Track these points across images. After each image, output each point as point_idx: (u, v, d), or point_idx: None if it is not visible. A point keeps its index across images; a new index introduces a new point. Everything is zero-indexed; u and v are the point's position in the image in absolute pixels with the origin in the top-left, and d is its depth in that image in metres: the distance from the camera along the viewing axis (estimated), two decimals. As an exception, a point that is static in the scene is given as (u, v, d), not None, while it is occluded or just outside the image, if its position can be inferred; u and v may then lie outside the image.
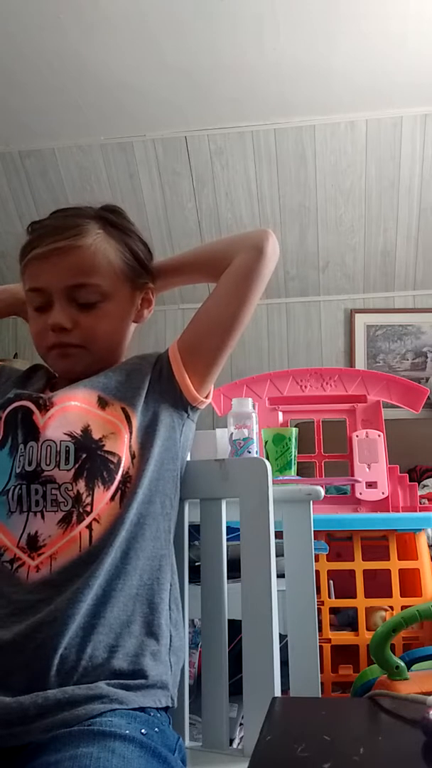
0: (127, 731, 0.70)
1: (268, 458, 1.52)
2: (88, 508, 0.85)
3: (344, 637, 1.68)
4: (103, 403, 0.93)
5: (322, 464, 1.95)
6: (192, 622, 1.58)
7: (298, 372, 1.94)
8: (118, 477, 0.88)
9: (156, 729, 0.74)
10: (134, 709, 0.75)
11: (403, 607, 1.62)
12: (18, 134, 3.27)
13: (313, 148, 3.25)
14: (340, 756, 0.58)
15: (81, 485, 0.86)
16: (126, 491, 0.88)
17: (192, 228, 3.58)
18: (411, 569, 1.74)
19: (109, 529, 0.84)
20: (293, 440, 1.58)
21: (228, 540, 1.01)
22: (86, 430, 0.89)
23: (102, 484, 0.87)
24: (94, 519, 0.84)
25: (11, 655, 0.77)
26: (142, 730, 0.72)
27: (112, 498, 0.86)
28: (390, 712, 0.70)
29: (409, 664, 1.22)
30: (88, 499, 0.85)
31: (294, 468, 1.59)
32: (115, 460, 0.88)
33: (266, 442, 1.59)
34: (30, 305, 0.99)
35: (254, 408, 1.55)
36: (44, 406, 0.93)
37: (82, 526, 0.83)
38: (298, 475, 1.64)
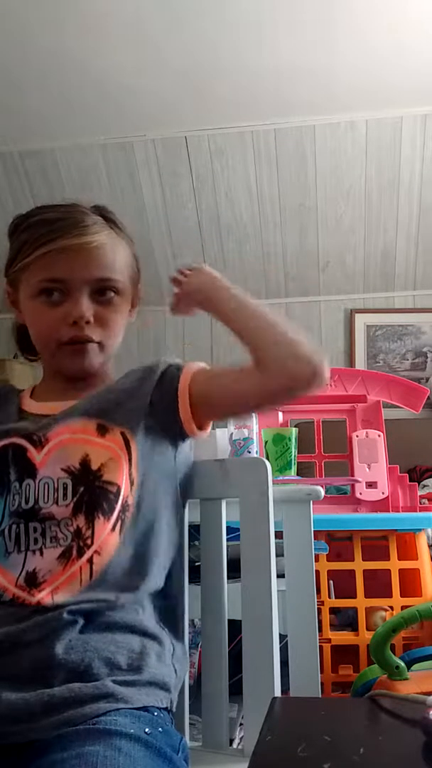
0: (132, 730, 0.70)
1: (268, 458, 1.52)
2: (89, 541, 0.83)
3: (344, 637, 1.68)
4: (103, 430, 0.90)
5: (322, 464, 1.95)
6: (192, 622, 1.58)
7: (298, 372, 1.94)
8: (118, 506, 0.86)
9: (160, 729, 0.74)
10: (138, 708, 0.75)
11: (403, 607, 1.61)
12: (18, 134, 3.27)
13: (313, 148, 3.25)
14: (340, 756, 0.58)
15: (81, 519, 0.84)
16: (125, 520, 0.86)
17: (192, 228, 3.58)
18: (411, 569, 1.74)
19: (110, 561, 0.83)
20: (293, 440, 1.58)
21: (228, 540, 1.01)
22: (85, 461, 0.87)
23: (102, 515, 0.85)
24: (96, 552, 0.83)
25: (17, 652, 0.77)
26: (146, 730, 0.72)
27: (113, 528, 0.85)
28: (390, 712, 0.70)
29: (409, 664, 1.22)
30: (89, 532, 0.84)
31: (294, 468, 1.59)
32: (114, 489, 0.86)
33: (266, 442, 1.59)
34: (37, 298, 0.94)
35: (254, 408, 1.55)
36: (39, 443, 0.89)
37: (83, 560, 0.82)
38: (298, 475, 1.64)
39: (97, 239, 0.93)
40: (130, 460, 0.88)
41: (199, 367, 0.96)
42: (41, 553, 0.83)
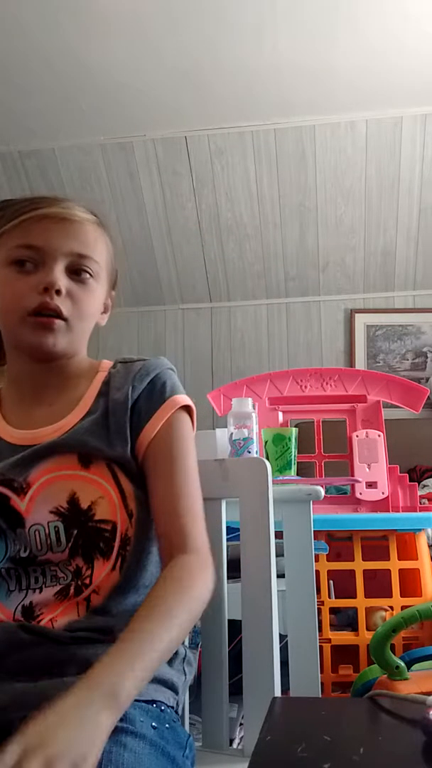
0: (139, 727, 0.70)
1: (268, 458, 1.52)
2: (87, 581, 0.82)
3: (344, 637, 1.68)
4: (86, 462, 0.85)
5: (322, 464, 1.95)
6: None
7: (298, 372, 1.94)
8: (117, 543, 0.83)
9: (167, 725, 0.74)
10: (146, 701, 0.75)
11: (403, 607, 1.62)
12: (18, 134, 3.27)
13: (313, 148, 3.25)
14: (340, 756, 0.58)
15: (79, 561, 0.83)
16: (126, 555, 0.84)
17: (192, 228, 3.58)
18: (411, 569, 1.74)
19: (107, 595, 0.82)
20: (293, 440, 1.58)
21: (228, 540, 1.01)
22: (73, 500, 0.83)
23: (101, 555, 0.83)
24: (93, 591, 0.82)
25: (28, 650, 0.77)
26: (153, 724, 0.72)
27: (114, 567, 0.83)
28: (390, 712, 0.70)
29: (409, 664, 1.22)
30: (88, 572, 0.82)
31: (294, 468, 1.59)
32: (109, 527, 0.83)
33: (266, 442, 1.59)
34: (10, 266, 0.87)
35: (254, 408, 1.55)
36: (21, 489, 0.85)
37: (79, 598, 0.82)
38: (298, 475, 1.64)
39: (79, 215, 0.90)
40: (122, 492, 0.85)
41: (178, 420, 0.90)
42: (41, 591, 0.83)
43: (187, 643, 0.89)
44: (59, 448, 0.86)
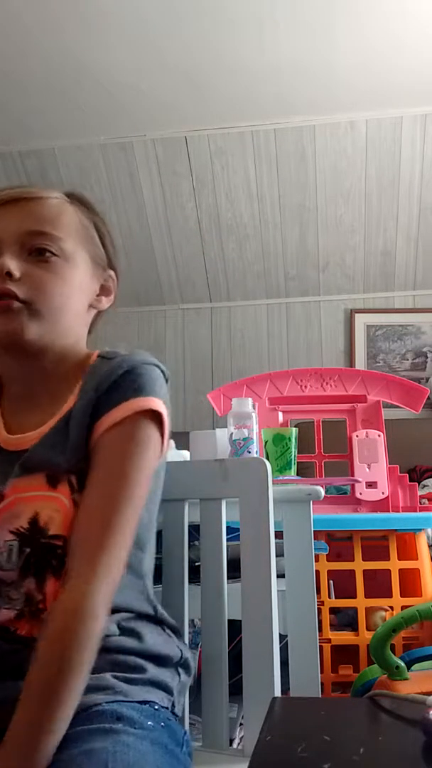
0: (138, 726, 0.70)
1: (268, 458, 1.52)
2: (41, 605, 0.77)
3: (344, 637, 1.68)
4: (53, 482, 0.80)
5: (322, 464, 1.95)
6: (192, 622, 1.59)
7: (298, 372, 1.94)
8: None
9: (162, 723, 0.74)
10: (139, 702, 0.74)
11: (403, 607, 1.62)
12: (18, 134, 3.27)
13: (313, 148, 3.25)
14: (340, 756, 0.58)
15: (31, 582, 0.77)
16: None
17: (192, 228, 3.58)
18: (411, 569, 1.74)
19: None
20: (293, 440, 1.58)
21: (228, 540, 1.01)
22: (34, 519, 0.78)
23: (53, 573, 0.77)
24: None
25: (18, 652, 0.76)
26: (149, 723, 0.72)
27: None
28: (390, 712, 0.70)
29: (409, 664, 1.22)
30: (39, 596, 0.77)
31: (294, 468, 1.59)
32: (61, 542, 0.77)
33: (266, 442, 1.59)
34: None
35: (254, 408, 1.55)
36: None
37: (38, 619, 0.77)
38: (298, 475, 1.64)
39: (37, 193, 0.85)
40: (76, 504, 0.78)
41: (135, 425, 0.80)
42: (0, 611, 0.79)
43: (179, 643, 0.88)
44: (29, 465, 0.81)
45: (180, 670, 0.86)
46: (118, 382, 0.81)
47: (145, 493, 0.80)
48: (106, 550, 0.73)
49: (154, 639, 0.84)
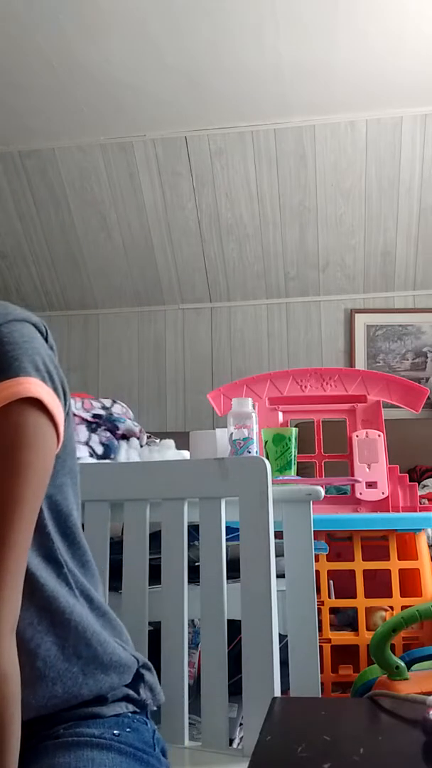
0: (103, 739, 0.66)
1: (268, 458, 1.52)
2: None
3: (344, 637, 1.68)
4: None
5: (322, 464, 1.95)
6: (192, 622, 1.58)
7: (298, 372, 1.94)
8: None
9: (128, 729, 0.71)
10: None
11: (403, 607, 1.61)
12: (18, 134, 3.27)
13: (313, 148, 3.25)
14: (340, 756, 0.58)
15: None
16: None
17: (192, 228, 3.58)
18: (411, 569, 1.74)
19: None
20: (293, 440, 1.58)
21: (228, 540, 1.01)
22: None
23: None
24: None
25: None
26: (115, 731, 0.69)
27: None
28: (390, 712, 0.70)
29: (409, 664, 1.22)
30: None
31: (294, 468, 1.59)
32: None
33: (266, 442, 1.59)
34: None
35: (254, 408, 1.55)
36: None
37: None
38: (298, 475, 1.64)
39: None
40: None
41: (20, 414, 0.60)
42: None
43: (114, 637, 0.76)
44: None
45: (129, 662, 0.76)
46: None
47: (38, 504, 0.64)
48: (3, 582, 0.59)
49: (92, 654, 0.72)
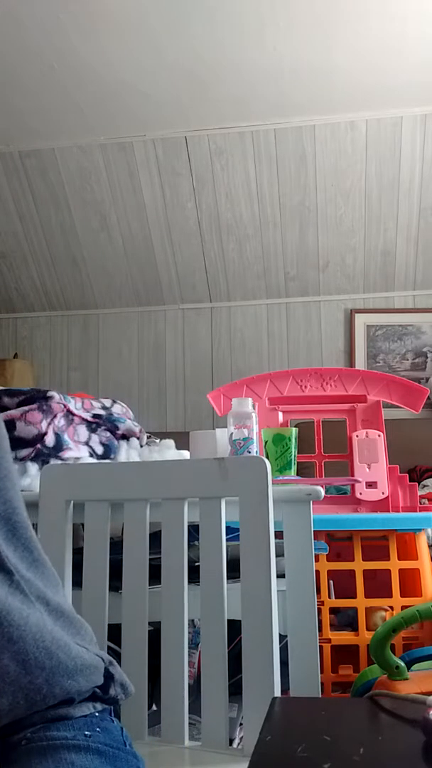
0: (77, 741, 0.66)
1: (268, 458, 1.52)
2: None
3: (344, 637, 1.68)
4: None
5: (322, 464, 1.95)
6: (192, 622, 1.58)
7: (298, 372, 1.94)
8: None
9: (98, 729, 0.70)
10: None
11: (403, 607, 1.61)
12: (18, 134, 3.27)
13: (313, 148, 3.25)
14: (340, 756, 0.58)
15: None
16: None
17: (192, 228, 3.58)
18: (411, 569, 1.74)
19: None
20: (293, 440, 1.58)
21: (227, 540, 1.01)
22: None
23: None
24: None
25: None
26: (86, 732, 0.68)
27: None
28: (390, 712, 0.70)
29: (409, 664, 1.22)
30: None
31: (294, 468, 1.59)
32: None
33: (266, 442, 1.59)
34: None
35: (254, 408, 1.55)
36: None
37: None
38: (298, 475, 1.64)
39: None
40: None
41: None
42: None
43: (69, 633, 0.73)
44: None
45: (95, 663, 0.73)
46: None
47: None
48: None
49: (56, 662, 0.69)
